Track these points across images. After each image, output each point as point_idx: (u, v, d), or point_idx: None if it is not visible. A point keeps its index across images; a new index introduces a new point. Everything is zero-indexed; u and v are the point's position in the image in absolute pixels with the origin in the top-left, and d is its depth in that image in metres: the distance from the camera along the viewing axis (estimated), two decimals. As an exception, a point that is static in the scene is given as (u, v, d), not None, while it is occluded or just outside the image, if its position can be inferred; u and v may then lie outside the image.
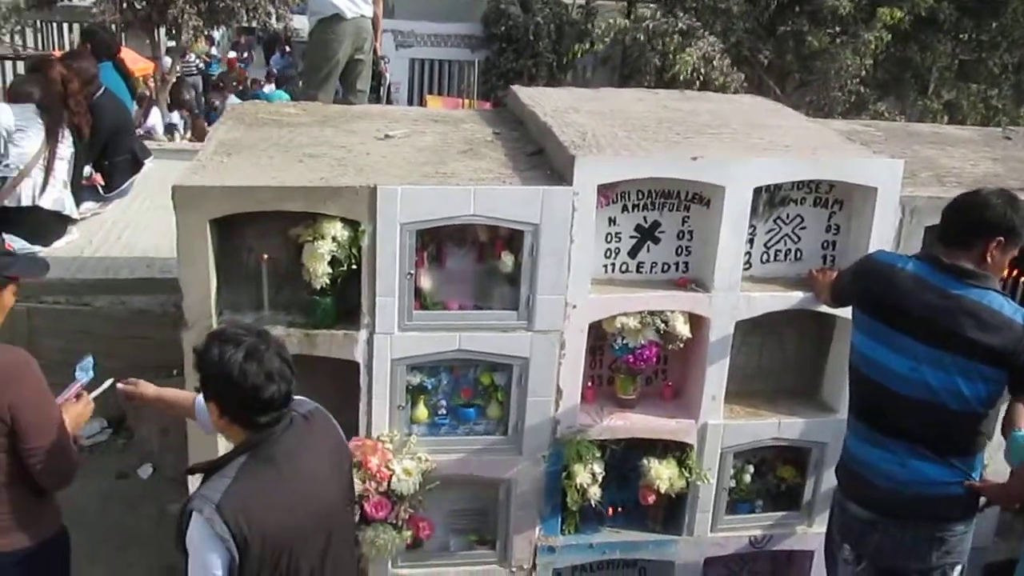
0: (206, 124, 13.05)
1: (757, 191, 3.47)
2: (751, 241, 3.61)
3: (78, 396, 3.01)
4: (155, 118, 12.69)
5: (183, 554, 2.44)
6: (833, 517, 3.30)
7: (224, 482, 2.41)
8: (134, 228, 5.62)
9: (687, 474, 3.64)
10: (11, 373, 2.69)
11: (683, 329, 3.50)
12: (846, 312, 3.46)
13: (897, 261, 3.02)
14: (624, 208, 3.51)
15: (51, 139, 5.16)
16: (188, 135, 13.51)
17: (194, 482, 2.63)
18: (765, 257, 3.68)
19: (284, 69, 19.38)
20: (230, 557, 2.37)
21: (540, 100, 4.14)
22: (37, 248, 5.12)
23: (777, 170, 3.46)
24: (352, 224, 3.21)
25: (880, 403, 3.02)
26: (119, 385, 3.03)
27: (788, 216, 3.66)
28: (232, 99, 15.47)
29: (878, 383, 2.99)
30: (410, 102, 16.98)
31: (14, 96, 5.41)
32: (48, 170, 5.15)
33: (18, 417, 2.68)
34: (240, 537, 2.36)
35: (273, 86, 16.96)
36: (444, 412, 3.53)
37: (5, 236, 5.06)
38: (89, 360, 3.12)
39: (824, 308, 3.56)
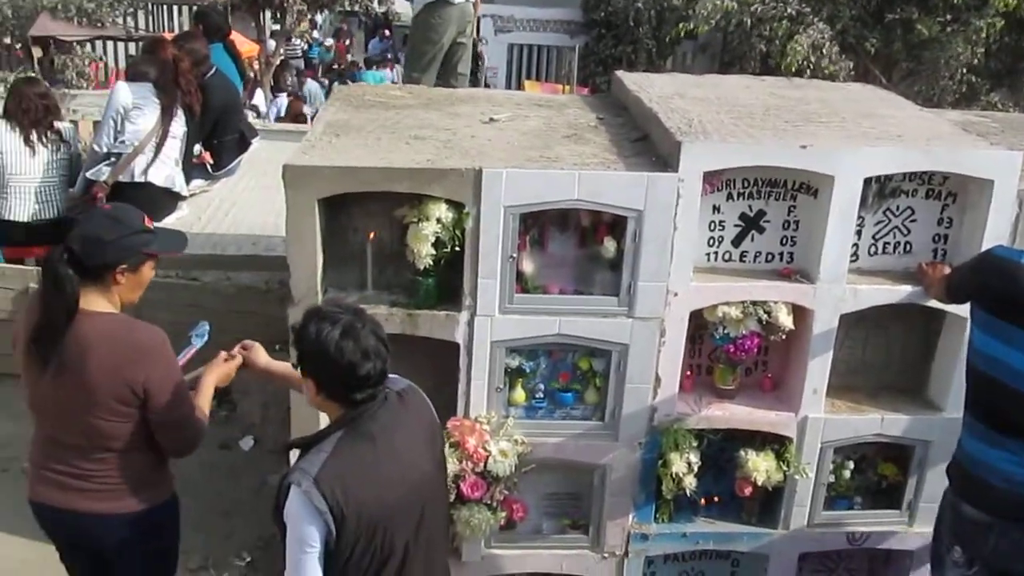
0: (303, 106, 13.31)
1: (867, 181, 3.39)
2: (859, 232, 3.53)
3: (190, 360, 3.14)
4: (259, 100, 12.98)
5: (281, 527, 2.50)
6: (943, 518, 3.22)
7: (322, 456, 2.46)
8: (241, 206, 5.77)
9: (785, 467, 3.59)
10: (149, 350, 2.80)
11: (786, 320, 3.45)
12: (956, 308, 3.39)
13: (1018, 256, 2.92)
14: (729, 196, 3.46)
15: (165, 118, 5.33)
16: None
17: (295, 456, 2.69)
18: (873, 249, 3.60)
19: (381, 53, 19.59)
20: (327, 530, 2.42)
21: (645, 86, 4.11)
22: (149, 223, 5.30)
23: (889, 160, 3.37)
24: (456, 206, 3.24)
25: (998, 401, 2.93)
26: (236, 351, 3.12)
27: (898, 208, 3.56)
28: (310, 83, 15.72)
29: (997, 380, 2.90)
30: (507, 87, 17.01)
31: (132, 75, 5.60)
32: (161, 147, 5.32)
33: (151, 392, 2.78)
34: (337, 510, 2.41)
35: (374, 69, 17.17)
36: (542, 396, 3.55)
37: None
38: (205, 326, 3.24)
39: (933, 303, 3.47)
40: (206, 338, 3.23)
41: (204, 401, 3.03)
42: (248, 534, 4.22)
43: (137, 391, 2.77)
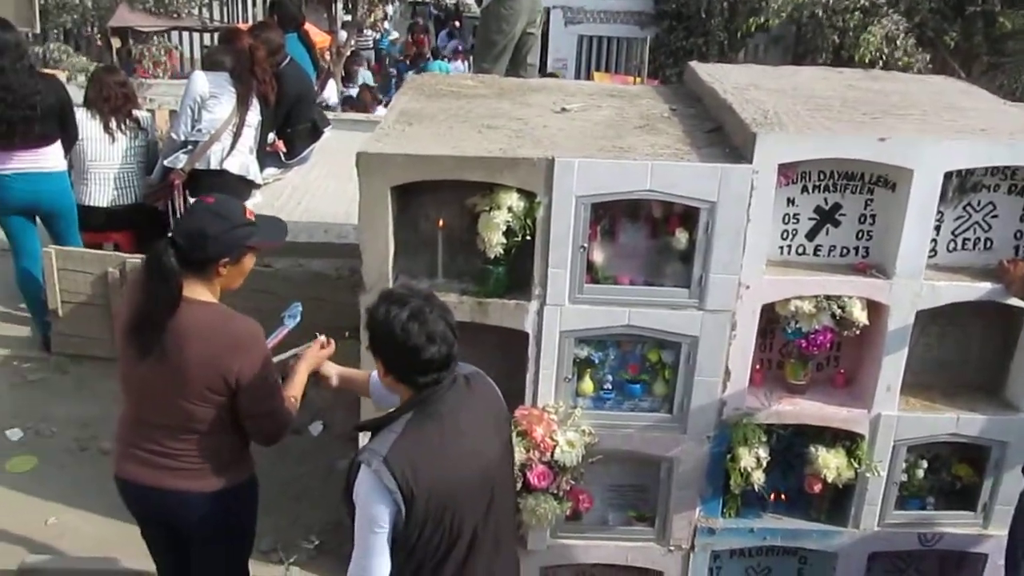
0: (368, 96, 13.40)
1: (947, 176, 3.32)
2: (938, 228, 3.46)
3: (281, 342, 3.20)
4: (331, 90, 13.11)
5: (350, 508, 2.53)
6: (1019, 520, 3.15)
7: (391, 437, 2.49)
8: (313, 194, 5.84)
9: (856, 465, 3.54)
10: (245, 342, 2.85)
11: (860, 316, 3.39)
12: (1039, 306, 3.30)
13: None
14: (804, 189, 3.41)
15: (241, 106, 5.41)
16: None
17: (364, 440, 2.72)
18: (952, 245, 3.52)
19: (450, 45, 19.68)
20: (396, 510, 2.45)
21: (719, 76, 4.07)
22: (223, 210, 5.39)
23: (971, 154, 3.30)
24: (528, 195, 3.24)
25: None
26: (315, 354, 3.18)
27: (979, 203, 3.49)
28: (363, 71, 15.79)
29: None
30: (577, 79, 16.96)
31: (209, 65, 5.69)
32: (237, 136, 5.40)
33: (243, 383, 2.83)
34: (407, 490, 2.43)
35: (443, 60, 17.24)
36: (610, 387, 3.54)
37: (192, 199, 5.37)
38: (297, 307, 3.30)
39: (1014, 301, 3.39)
40: (298, 319, 3.29)
41: (296, 388, 3.09)
42: (317, 518, 4.28)
43: (230, 381, 2.83)
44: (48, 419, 4.89)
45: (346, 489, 2.54)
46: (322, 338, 3.19)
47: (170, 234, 2.84)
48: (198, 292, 2.84)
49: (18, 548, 3.95)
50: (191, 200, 5.45)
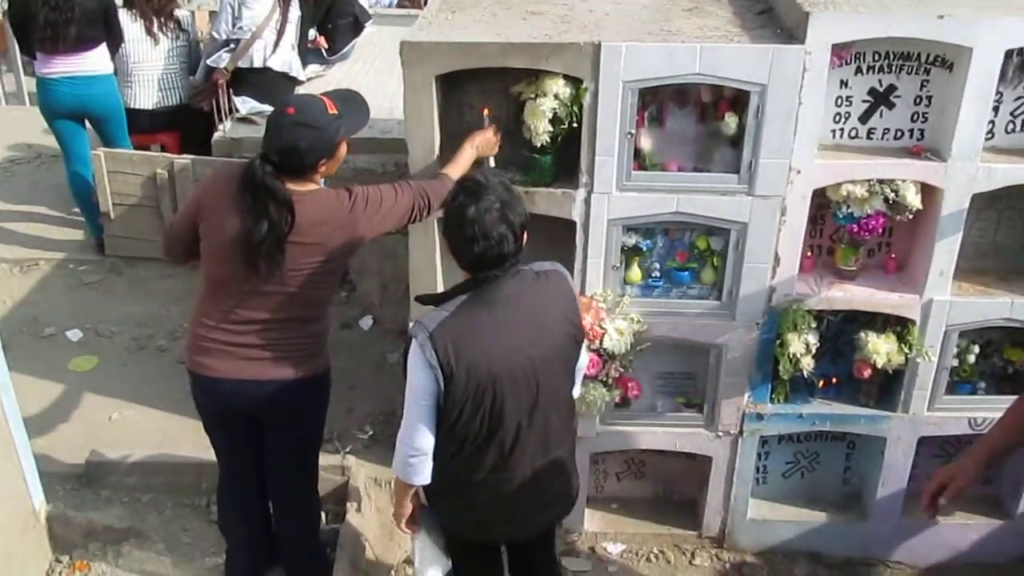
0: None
1: (1008, 54, 3.20)
2: (996, 109, 3.35)
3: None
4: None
5: (405, 377, 2.63)
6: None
7: (442, 315, 2.55)
8: (356, 89, 5.80)
9: (907, 350, 3.52)
10: (358, 205, 2.97)
11: (914, 200, 3.33)
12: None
13: None
14: (858, 70, 3.32)
15: (281, 3, 5.36)
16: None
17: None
18: (1011, 127, 3.43)
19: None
20: (436, 384, 2.53)
21: (769, -44, 3.94)
22: (267, 107, 5.40)
23: (1034, 31, 3.18)
24: (574, 82, 3.19)
25: None
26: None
27: (1040, 82, 3.38)
28: None
29: None
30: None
31: (246, -39, 5.63)
32: (279, 33, 5.37)
33: (372, 219, 3.00)
34: (447, 366, 2.50)
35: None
36: (658, 274, 3.53)
37: (236, 98, 5.37)
38: None
39: (1075, 182, 3.31)
40: None
41: (461, 168, 3.18)
42: (369, 408, 4.38)
43: (359, 238, 3.00)
44: (106, 319, 5.02)
45: (403, 359, 2.63)
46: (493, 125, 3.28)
47: (261, 152, 2.87)
48: (304, 185, 2.91)
49: (84, 443, 4.10)
50: (236, 99, 5.47)
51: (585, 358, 2.94)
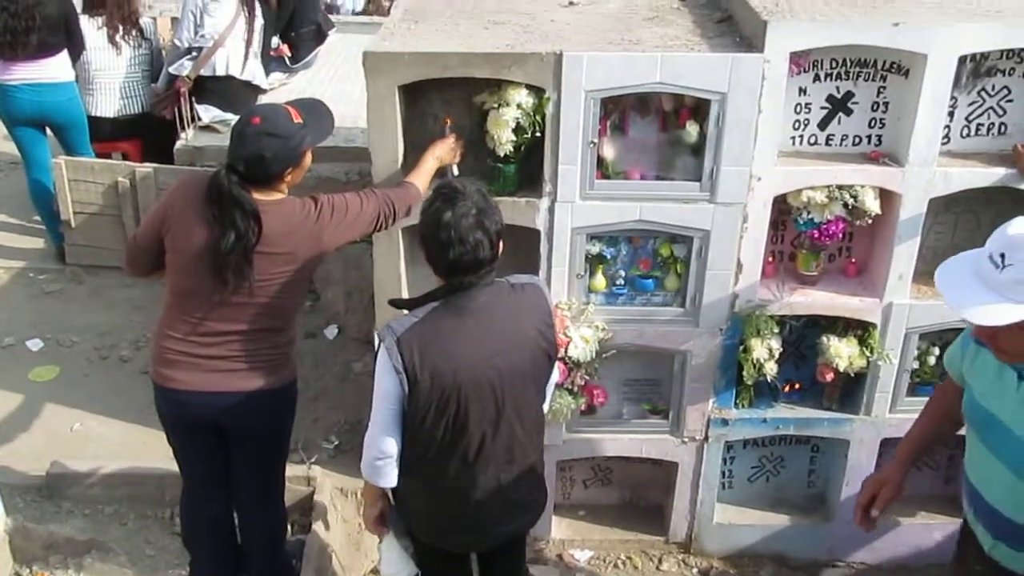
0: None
1: (962, 60, 3.26)
2: (951, 114, 3.41)
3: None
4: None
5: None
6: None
7: (412, 320, 2.57)
8: (319, 98, 5.78)
9: (868, 353, 3.57)
10: (324, 214, 2.98)
11: (873, 205, 3.37)
12: (1053, 191, 3.28)
13: None
14: (816, 77, 3.36)
15: (243, 10, 5.34)
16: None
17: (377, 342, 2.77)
18: (966, 131, 3.48)
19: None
20: (401, 389, 2.54)
21: (729, -36, 3.97)
22: (229, 116, 5.37)
23: (986, 37, 3.22)
24: (537, 91, 3.20)
25: None
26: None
27: (994, 88, 3.42)
28: None
29: None
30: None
31: (208, -32, 5.59)
32: (240, 41, 5.34)
33: (337, 229, 3.00)
34: (411, 372, 2.52)
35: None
36: (622, 282, 3.55)
37: (198, 106, 5.34)
38: None
39: (1028, 186, 3.37)
40: None
41: (424, 177, 3.22)
42: (334, 419, 4.36)
43: (326, 247, 2.99)
44: (67, 329, 4.97)
45: (374, 361, 2.64)
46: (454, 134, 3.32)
47: (227, 162, 2.86)
48: (268, 195, 2.90)
49: (45, 454, 4.05)
50: (198, 107, 5.44)
51: (557, 374, 2.95)
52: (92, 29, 5.46)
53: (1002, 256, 2.09)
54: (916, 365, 3.70)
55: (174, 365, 3.03)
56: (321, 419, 4.36)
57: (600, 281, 3.53)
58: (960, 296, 2.18)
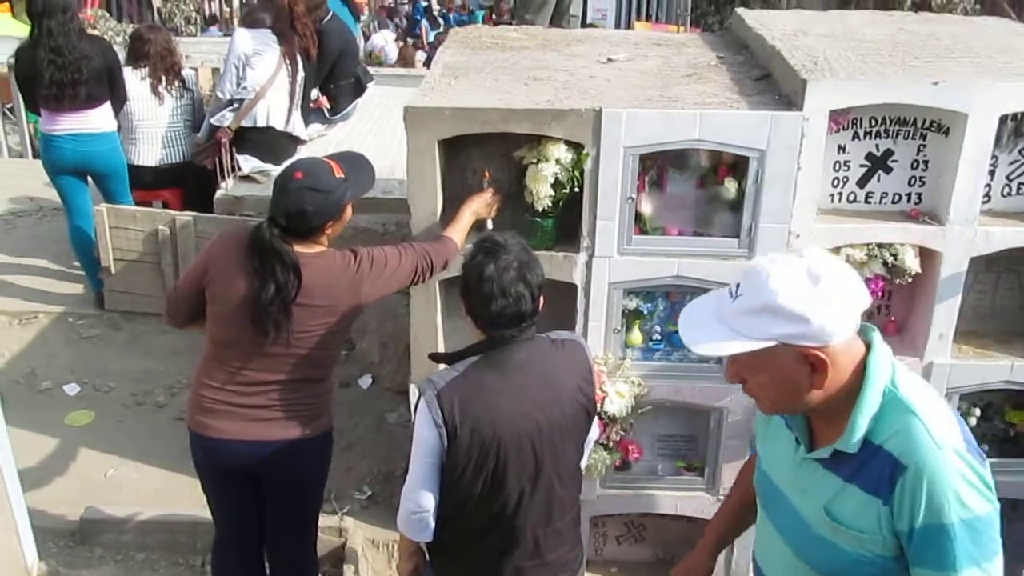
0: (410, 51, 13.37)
1: (1002, 119, 3.25)
2: (992, 172, 3.40)
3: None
4: (389, 45, 13.11)
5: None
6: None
7: (452, 374, 2.56)
8: (357, 149, 5.84)
9: (908, 414, 3.52)
10: (363, 266, 3.01)
11: (913, 263, 3.36)
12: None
13: None
14: (855, 135, 3.36)
15: (284, 63, 5.42)
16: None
17: (415, 395, 2.77)
18: (1007, 190, 3.46)
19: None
20: (440, 443, 2.52)
21: (767, 23, 4.01)
22: (269, 166, 5.44)
23: (1026, 97, 3.23)
24: (576, 147, 3.23)
25: None
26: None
27: (1035, 147, 3.42)
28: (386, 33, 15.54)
29: None
30: (617, 28, 16.71)
31: (250, 22, 5.72)
32: (287, 94, 5.44)
33: (377, 283, 3.03)
34: (451, 426, 2.49)
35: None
36: (659, 338, 3.54)
37: (239, 156, 5.42)
38: None
39: (1071, 246, 3.34)
40: None
41: (461, 231, 3.26)
42: (367, 469, 4.35)
43: (364, 300, 3.02)
44: (104, 374, 5.01)
45: (414, 413, 2.64)
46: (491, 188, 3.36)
47: (269, 215, 2.91)
48: (309, 246, 2.94)
49: (79, 499, 4.07)
50: (238, 157, 5.52)
51: (596, 430, 2.93)
52: (135, 80, 5.57)
53: (737, 286, 1.91)
54: (957, 426, 3.64)
55: (212, 413, 3.05)
56: (354, 469, 4.36)
57: (637, 336, 3.52)
58: (693, 331, 1.96)
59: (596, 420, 3.27)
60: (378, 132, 6.23)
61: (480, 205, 3.31)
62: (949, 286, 3.40)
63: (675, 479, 3.75)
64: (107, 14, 13.65)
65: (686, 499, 3.76)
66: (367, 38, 12.81)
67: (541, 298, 2.60)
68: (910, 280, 3.41)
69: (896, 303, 3.63)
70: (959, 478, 1.79)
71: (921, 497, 1.79)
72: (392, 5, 17.12)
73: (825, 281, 1.80)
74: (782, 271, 1.83)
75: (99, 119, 5.29)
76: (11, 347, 5.22)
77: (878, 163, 3.40)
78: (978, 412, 3.65)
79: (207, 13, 16.29)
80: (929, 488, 1.79)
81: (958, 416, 1.93)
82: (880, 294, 3.46)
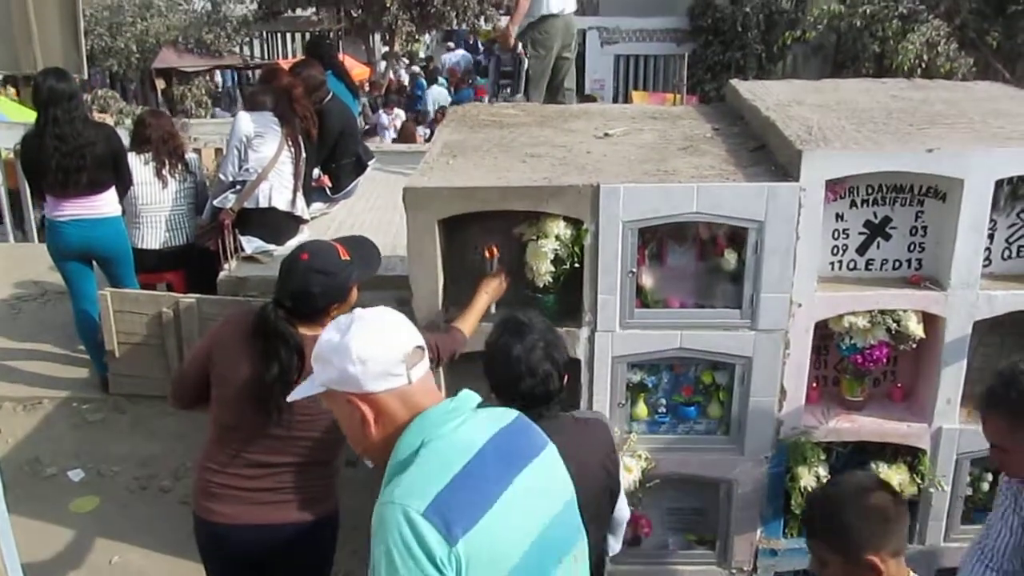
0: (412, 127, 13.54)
1: (999, 184, 3.27)
2: (991, 236, 3.41)
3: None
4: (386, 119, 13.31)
5: None
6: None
7: None
8: (359, 228, 5.88)
9: (919, 480, 3.49)
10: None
11: (916, 329, 3.35)
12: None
13: None
14: (852, 203, 3.39)
15: (286, 144, 5.49)
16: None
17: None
18: (1007, 253, 3.47)
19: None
20: None
21: (761, 94, 4.06)
22: (272, 247, 5.47)
23: (1021, 161, 3.24)
24: (575, 223, 3.25)
25: None
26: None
27: (1033, 209, 3.43)
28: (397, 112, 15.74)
29: None
30: (615, 99, 16.93)
31: (252, 105, 5.79)
32: (291, 175, 5.49)
33: None
34: None
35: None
36: (664, 410, 3.52)
37: (242, 237, 5.45)
38: None
39: (1074, 307, 3.33)
40: None
41: (474, 317, 3.25)
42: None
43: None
44: (108, 459, 4.98)
45: None
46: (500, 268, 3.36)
47: (274, 297, 2.91)
48: (314, 329, 2.91)
49: (84, 588, 4.02)
50: (241, 238, 5.55)
51: (626, 511, 2.90)
52: (139, 164, 5.62)
53: None
54: (970, 491, 3.60)
55: (215, 498, 3.02)
56: (359, 551, 4.29)
57: (642, 409, 3.51)
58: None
59: (624, 501, 3.27)
60: (379, 209, 6.27)
61: (493, 287, 3.33)
62: (954, 351, 3.39)
63: (686, 553, 3.71)
64: (116, 95, 13.90)
65: (698, 573, 3.71)
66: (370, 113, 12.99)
67: (566, 375, 2.61)
68: (914, 346, 3.40)
69: (902, 369, 3.62)
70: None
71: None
72: (399, 84, 17.36)
73: (352, 332, 1.88)
74: (334, 323, 1.95)
75: (104, 204, 5.33)
76: (16, 433, 5.20)
77: (876, 230, 3.42)
78: (990, 477, 3.61)
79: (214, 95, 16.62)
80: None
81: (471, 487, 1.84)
82: (885, 360, 3.45)
